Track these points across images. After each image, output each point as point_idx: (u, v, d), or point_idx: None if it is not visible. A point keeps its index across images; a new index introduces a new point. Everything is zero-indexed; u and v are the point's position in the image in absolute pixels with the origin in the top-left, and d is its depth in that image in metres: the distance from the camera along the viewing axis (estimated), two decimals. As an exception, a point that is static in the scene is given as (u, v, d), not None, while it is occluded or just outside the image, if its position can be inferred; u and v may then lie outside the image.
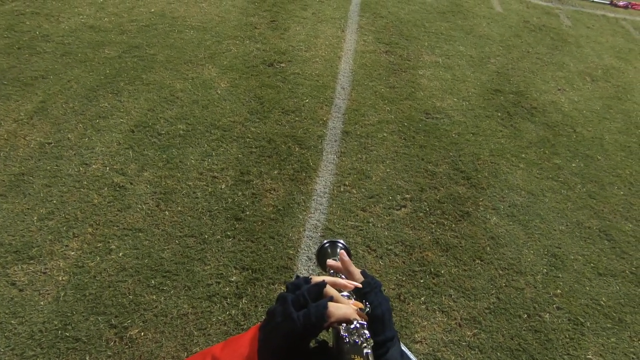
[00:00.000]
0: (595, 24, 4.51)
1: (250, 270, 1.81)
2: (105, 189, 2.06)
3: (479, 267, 1.98)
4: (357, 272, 0.65)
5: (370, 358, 0.49)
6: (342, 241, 0.78)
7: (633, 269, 2.10)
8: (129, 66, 2.84)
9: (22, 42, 2.92)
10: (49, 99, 2.50)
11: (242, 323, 1.64)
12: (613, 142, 2.91)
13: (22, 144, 2.22)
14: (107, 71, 2.77)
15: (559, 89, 3.35)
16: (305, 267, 1.85)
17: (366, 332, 0.51)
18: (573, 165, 2.66)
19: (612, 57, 3.93)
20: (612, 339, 1.80)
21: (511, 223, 2.22)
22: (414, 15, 4.00)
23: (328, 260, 0.72)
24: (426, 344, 1.67)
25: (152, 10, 3.48)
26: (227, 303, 1.70)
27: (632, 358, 1.74)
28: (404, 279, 1.88)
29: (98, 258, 1.79)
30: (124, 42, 3.05)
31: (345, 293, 0.60)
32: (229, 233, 1.95)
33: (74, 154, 2.21)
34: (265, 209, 2.08)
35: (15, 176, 2.06)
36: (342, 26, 3.66)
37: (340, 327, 0.52)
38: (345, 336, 0.51)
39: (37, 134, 2.29)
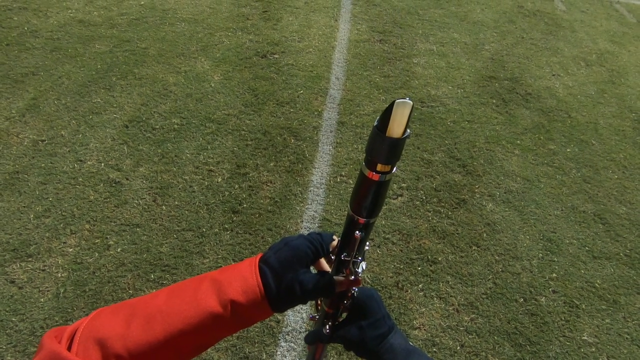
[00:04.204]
0: (589, 8, 4.49)
1: (249, 262, 1.82)
2: (101, 185, 2.05)
3: (475, 254, 2.00)
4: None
5: (357, 268, 0.52)
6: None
7: (627, 251, 2.13)
8: (121, 61, 2.81)
9: (11, 38, 2.87)
10: (40, 96, 2.48)
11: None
12: (607, 127, 2.92)
13: (15, 142, 2.20)
14: (99, 66, 2.74)
15: (553, 75, 3.35)
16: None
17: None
18: (568, 150, 2.67)
19: (606, 41, 3.93)
20: (606, 320, 1.83)
21: (507, 209, 2.23)
22: (408, 3, 3.96)
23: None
24: (425, 330, 1.70)
25: (142, 2, 3.43)
26: (227, 295, 1.71)
27: (626, 338, 1.78)
28: (401, 267, 1.90)
29: (96, 254, 1.79)
30: (114, 36, 3.01)
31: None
32: (226, 226, 1.95)
33: (68, 151, 2.20)
34: (262, 201, 2.08)
35: (10, 174, 2.04)
36: (335, 15, 3.62)
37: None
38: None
39: (30, 132, 2.27)
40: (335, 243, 0.55)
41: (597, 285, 1.96)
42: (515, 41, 3.68)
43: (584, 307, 1.87)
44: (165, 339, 0.43)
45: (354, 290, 0.55)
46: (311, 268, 0.54)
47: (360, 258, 0.52)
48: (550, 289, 1.91)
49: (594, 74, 3.44)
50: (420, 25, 3.67)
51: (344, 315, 0.59)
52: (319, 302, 0.60)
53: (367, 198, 0.47)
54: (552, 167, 2.53)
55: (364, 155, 0.45)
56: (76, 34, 2.99)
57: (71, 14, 3.18)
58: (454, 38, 3.57)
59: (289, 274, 0.49)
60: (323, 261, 0.57)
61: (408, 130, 0.41)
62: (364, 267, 0.53)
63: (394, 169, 0.45)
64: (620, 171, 2.58)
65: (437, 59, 3.28)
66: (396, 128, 0.40)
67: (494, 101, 2.97)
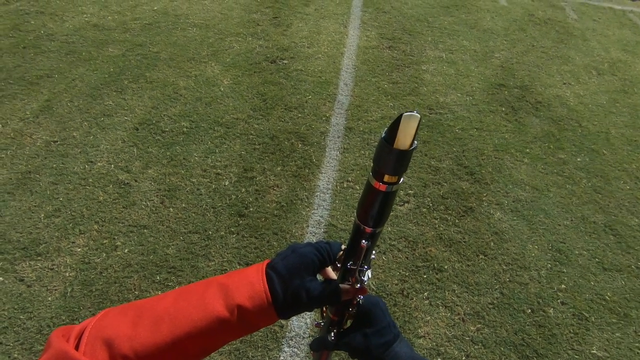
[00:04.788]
0: (601, 17, 4.45)
1: (254, 266, 1.82)
2: (111, 186, 2.08)
3: (482, 262, 1.98)
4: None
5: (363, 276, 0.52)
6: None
7: (639, 263, 2.08)
8: (133, 64, 2.86)
9: (27, 41, 2.94)
10: (54, 98, 2.53)
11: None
12: (619, 136, 2.88)
13: (28, 143, 2.25)
14: (111, 69, 2.79)
15: (564, 83, 3.32)
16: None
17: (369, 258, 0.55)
18: (578, 159, 2.64)
19: (618, 50, 3.88)
20: (617, 334, 1.79)
21: (515, 218, 2.21)
22: (418, 10, 3.97)
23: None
24: (429, 339, 1.68)
25: (155, 8, 3.49)
26: (232, 298, 1.71)
27: (638, 353, 1.74)
28: (407, 274, 1.88)
29: (104, 254, 1.81)
30: (127, 41, 3.07)
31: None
32: (232, 229, 1.96)
33: (80, 152, 2.23)
34: (268, 205, 2.09)
35: (22, 174, 2.08)
36: (344, 22, 3.64)
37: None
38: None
39: (43, 133, 2.31)
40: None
41: (607, 297, 1.92)
42: (525, 49, 3.66)
43: (593, 319, 1.83)
44: (172, 341, 0.43)
45: (360, 298, 0.55)
46: (318, 276, 0.54)
47: (366, 266, 0.53)
48: (558, 301, 1.88)
49: (605, 83, 3.40)
50: (430, 32, 3.67)
51: (350, 322, 0.59)
52: (325, 309, 0.60)
53: (374, 208, 0.47)
54: (562, 177, 2.49)
55: (371, 164, 0.45)
56: (90, 38, 3.05)
57: (86, 19, 3.25)
58: (464, 45, 3.56)
59: (296, 281, 0.49)
60: (329, 269, 0.57)
61: (415, 142, 0.41)
62: (370, 276, 0.53)
63: (401, 179, 0.45)
64: (632, 182, 2.54)
65: (446, 66, 3.28)
66: (403, 140, 0.40)
67: (503, 109, 2.95)
